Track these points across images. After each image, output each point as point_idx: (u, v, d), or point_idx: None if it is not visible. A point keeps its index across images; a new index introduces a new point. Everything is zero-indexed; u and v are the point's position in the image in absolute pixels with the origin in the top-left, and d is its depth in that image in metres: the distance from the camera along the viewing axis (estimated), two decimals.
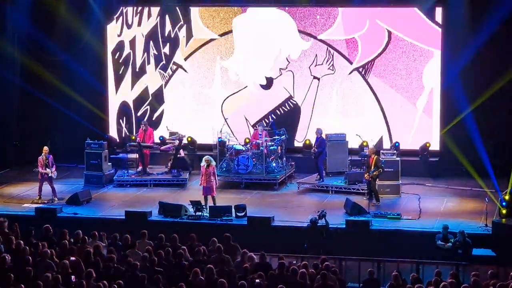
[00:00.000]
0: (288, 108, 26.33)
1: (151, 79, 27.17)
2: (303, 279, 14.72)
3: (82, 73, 26.05)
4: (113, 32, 27.03)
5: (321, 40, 25.79)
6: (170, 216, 20.96)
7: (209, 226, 20.29)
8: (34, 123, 27.06)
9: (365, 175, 22.05)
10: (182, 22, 26.56)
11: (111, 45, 27.08)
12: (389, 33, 25.25)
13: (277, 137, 24.44)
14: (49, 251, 15.50)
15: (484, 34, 23.32)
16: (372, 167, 21.73)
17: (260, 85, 26.43)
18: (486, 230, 19.53)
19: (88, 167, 24.40)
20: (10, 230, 17.65)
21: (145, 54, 26.95)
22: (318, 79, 25.91)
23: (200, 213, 20.87)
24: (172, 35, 26.73)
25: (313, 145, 24.18)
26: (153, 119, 27.04)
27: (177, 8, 26.50)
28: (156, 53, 26.88)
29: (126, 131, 26.88)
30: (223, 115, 26.53)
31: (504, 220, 19.44)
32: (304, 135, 26.01)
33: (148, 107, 27.22)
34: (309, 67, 25.96)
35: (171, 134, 25.84)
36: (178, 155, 24.68)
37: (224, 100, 26.66)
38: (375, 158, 21.82)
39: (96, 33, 26.68)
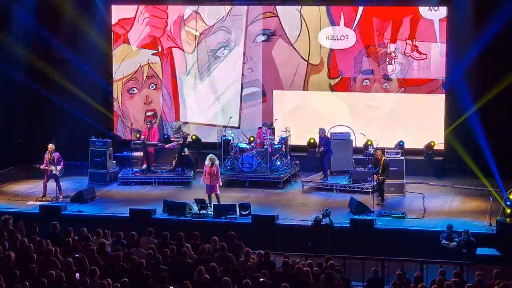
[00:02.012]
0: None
1: None
2: (308, 278, 14.72)
3: (87, 70, 26.05)
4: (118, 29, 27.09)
5: None
6: (174, 214, 20.96)
7: (213, 225, 20.31)
8: (39, 121, 27.02)
9: (375, 176, 22.02)
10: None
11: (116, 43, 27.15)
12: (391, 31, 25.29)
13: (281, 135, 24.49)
14: (53, 248, 15.53)
15: (489, 33, 23.24)
16: (381, 170, 21.72)
17: None
18: (490, 230, 19.52)
19: (92, 165, 24.46)
20: (14, 227, 17.68)
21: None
22: None
23: (204, 211, 20.88)
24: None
25: (317, 145, 24.14)
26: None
27: None
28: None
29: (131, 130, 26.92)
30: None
31: (509, 219, 19.43)
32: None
33: None
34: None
35: (176, 132, 25.85)
36: (183, 153, 24.68)
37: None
38: (384, 163, 21.78)
39: (102, 30, 26.69)
